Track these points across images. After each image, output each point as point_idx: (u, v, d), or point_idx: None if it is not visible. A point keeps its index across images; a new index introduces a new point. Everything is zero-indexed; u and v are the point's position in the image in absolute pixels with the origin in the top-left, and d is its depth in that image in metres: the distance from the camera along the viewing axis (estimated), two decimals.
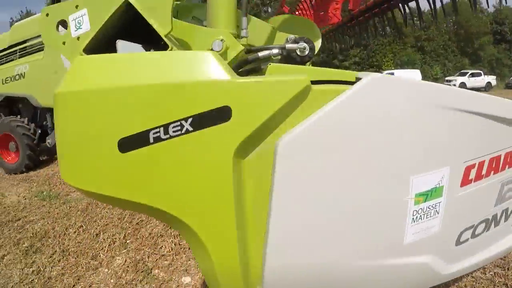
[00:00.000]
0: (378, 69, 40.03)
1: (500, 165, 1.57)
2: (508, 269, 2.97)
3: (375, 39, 41.83)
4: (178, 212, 1.21)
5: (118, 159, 1.15)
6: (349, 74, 1.33)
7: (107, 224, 4.16)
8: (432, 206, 1.41)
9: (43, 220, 4.45)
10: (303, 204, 1.20)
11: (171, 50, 1.69)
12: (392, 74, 29.36)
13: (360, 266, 1.39)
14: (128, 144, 1.14)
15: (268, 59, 1.69)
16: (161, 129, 1.12)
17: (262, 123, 1.12)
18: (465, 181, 1.49)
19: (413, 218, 1.38)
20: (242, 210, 1.21)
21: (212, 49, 1.31)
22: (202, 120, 1.10)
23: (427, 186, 1.37)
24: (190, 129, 1.11)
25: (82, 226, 4.15)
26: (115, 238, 3.79)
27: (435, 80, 41.28)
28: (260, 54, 1.63)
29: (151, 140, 1.12)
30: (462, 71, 36.00)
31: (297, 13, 8.15)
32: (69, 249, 3.61)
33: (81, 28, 1.87)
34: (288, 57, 1.69)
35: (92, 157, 1.20)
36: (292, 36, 1.76)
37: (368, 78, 1.16)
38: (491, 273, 2.93)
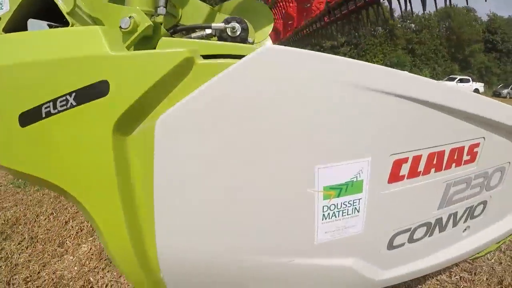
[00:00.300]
0: None
1: (444, 162, 1.32)
2: (475, 274, 2.94)
3: (366, 39, 42.48)
4: (71, 188, 1.21)
5: (20, 133, 1.19)
6: (251, 49, 1.13)
7: (77, 211, 4.13)
8: (348, 203, 1.19)
9: (15, 207, 4.43)
10: (185, 188, 1.13)
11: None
12: None
13: (263, 262, 1.25)
14: (26, 118, 1.18)
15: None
16: (51, 103, 1.14)
17: (140, 97, 1.07)
18: (394, 177, 1.23)
19: (323, 215, 1.18)
20: (130, 188, 1.17)
21: (120, 27, 1.29)
22: (84, 95, 1.11)
23: (340, 179, 1.15)
24: (74, 103, 1.12)
25: (53, 213, 4.14)
26: (83, 226, 3.79)
27: None
28: (193, 35, 1.58)
29: (43, 115, 1.15)
30: (451, 76, 36.52)
31: (280, 4, 7.88)
32: (38, 236, 3.63)
33: (2, 9, 1.89)
34: (221, 38, 1.60)
35: (1, 131, 1.24)
36: (229, 17, 1.64)
37: (260, 49, 1.03)
38: (456, 277, 2.90)
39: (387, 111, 1.13)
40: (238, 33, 1.55)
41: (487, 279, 2.88)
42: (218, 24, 1.56)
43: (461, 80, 32.61)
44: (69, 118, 1.12)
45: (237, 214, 1.16)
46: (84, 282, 2.83)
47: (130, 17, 1.30)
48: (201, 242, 1.20)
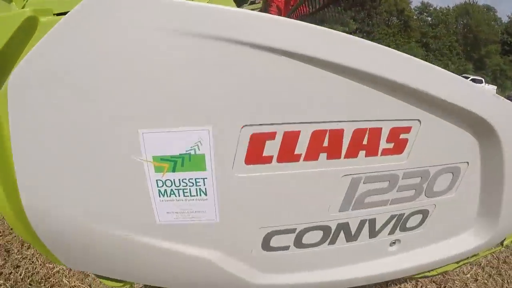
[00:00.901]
0: None
1: (344, 148, 0.97)
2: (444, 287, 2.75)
3: (379, 28, 41.59)
4: None
5: None
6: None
7: None
8: (189, 181, 0.97)
9: None
10: (35, 146, 1.09)
11: None
12: None
13: (109, 232, 1.13)
14: None
15: None
16: None
17: None
18: (255, 158, 0.93)
19: (160, 191, 0.99)
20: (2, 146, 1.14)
21: None
22: None
23: (171, 150, 0.92)
24: None
25: None
26: None
27: None
28: None
29: None
30: (463, 74, 35.33)
31: None
32: None
33: None
34: None
35: None
36: None
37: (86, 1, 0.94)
38: None
39: (238, 66, 0.83)
40: None
41: None
42: None
43: (473, 80, 32.08)
44: None
45: (82, 177, 1.08)
46: None
47: None
48: (54, 203, 1.15)
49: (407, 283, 2.71)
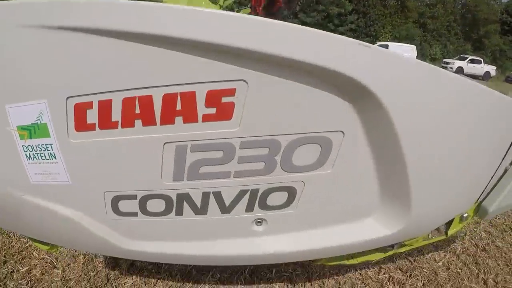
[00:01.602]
0: (375, 39, 37.44)
1: (158, 114, 1.02)
2: (410, 276, 2.57)
3: (376, 9, 40.95)
4: None
5: None
6: None
7: None
8: (42, 146, 1.14)
9: None
10: None
11: None
12: (386, 46, 26.29)
13: (8, 194, 1.28)
14: None
15: None
16: None
17: None
18: (82, 125, 1.06)
19: (26, 155, 1.16)
20: None
21: None
22: None
23: (26, 120, 1.11)
24: None
25: None
26: None
27: (433, 60, 37.62)
28: None
29: None
30: (462, 55, 33.47)
31: None
32: None
33: None
34: None
35: None
36: None
37: None
38: (385, 275, 2.58)
39: (49, 47, 0.98)
40: None
41: (422, 285, 2.44)
42: None
43: (472, 61, 30.86)
44: None
45: None
46: None
47: None
48: None
49: (370, 269, 2.58)
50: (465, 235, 3.25)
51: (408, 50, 27.42)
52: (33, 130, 1.11)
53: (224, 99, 0.97)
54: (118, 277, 2.50)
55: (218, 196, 1.17)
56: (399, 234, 1.39)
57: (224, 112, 0.99)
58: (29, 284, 2.34)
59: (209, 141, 1.04)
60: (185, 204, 1.18)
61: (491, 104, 1.33)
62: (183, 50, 0.92)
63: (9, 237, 2.80)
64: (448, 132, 1.25)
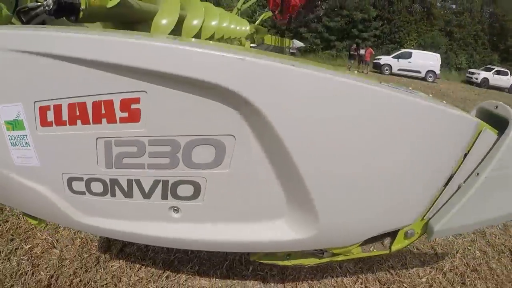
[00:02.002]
0: (399, 46, 37.27)
1: (90, 116, 1.32)
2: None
3: (401, 15, 40.14)
4: None
5: None
6: None
7: None
8: (20, 137, 1.48)
9: None
10: None
11: None
12: (410, 54, 25.89)
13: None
14: None
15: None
16: None
17: None
18: (45, 122, 1.41)
19: (11, 142, 1.50)
20: None
21: None
22: None
23: (11, 117, 1.46)
24: None
25: None
26: None
27: (458, 70, 37.30)
28: (29, 4, 1.79)
29: None
30: (488, 66, 33.01)
31: None
32: None
33: None
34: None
35: None
36: None
37: None
38: (362, 285, 2.60)
39: (17, 65, 1.34)
40: (50, 7, 1.76)
41: None
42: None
43: (498, 72, 30.04)
44: None
45: None
46: None
47: None
48: None
49: (345, 277, 2.66)
50: (456, 252, 3.08)
51: (432, 58, 26.74)
52: (14, 124, 1.47)
53: (133, 106, 1.26)
54: (108, 260, 2.84)
55: (138, 183, 1.41)
56: (313, 241, 1.45)
57: (134, 116, 1.27)
58: (29, 260, 2.73)
59: (126, 138, 1.32)
60: (116, 187, 1.44)
61: (422, 117, 1.34)
62: (103, 69, 1.23)
63: (18, 218, 3.24)
64: (354, 145, 1.29)
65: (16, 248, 2.85)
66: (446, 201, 1.60)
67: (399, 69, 27.98)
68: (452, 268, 2.84)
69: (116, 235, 1.62)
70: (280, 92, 1.16)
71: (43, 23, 1.94)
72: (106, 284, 2.59)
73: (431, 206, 1.61)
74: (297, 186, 1.31)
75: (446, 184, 1.57)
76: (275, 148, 1.24)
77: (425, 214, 1.64)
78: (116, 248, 2.97)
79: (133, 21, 2.60)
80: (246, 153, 1.28)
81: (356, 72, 24.41)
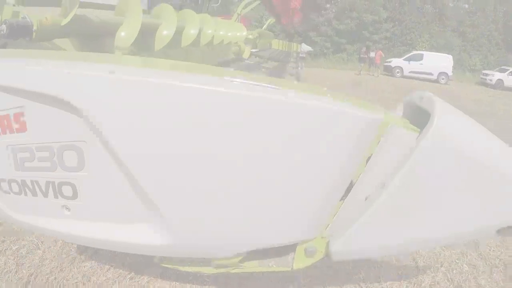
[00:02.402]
0: (411, 48, 35.39)
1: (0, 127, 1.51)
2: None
3: (412, 16, 39.36)
4: None
5: None
6: None
7: None
8: None
9: None
10: None
11: None
12: (421, 55, 24.49)
13: None
14: None
15: None
16: None
17: None
18: None
19: None
20: None
21: None
22: None
23: None
24: None
25: None
26: None
27: (472, 71, 35.29)
28: None
29: None
30: (503, 67, 30.16)
31: None
32: None
33: None
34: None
35: None
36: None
37: None
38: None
39: None
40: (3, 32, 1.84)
41: None
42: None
43: None
44: None
45: None
46: None
47: None
48: None
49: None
50: (441, 266, 2.74)
51: (444, 60, 25.51)
52: None
53: (21, 118, 1.46)
54: (82, 261, 3.05)
55: (37, 184, 1.58)
56: (172, 249, 1.48)
57: (22, 126, 1.47)
58: (15, 260, 3.01)
59: (21, 145, 1.51)
60: (25, 187, 1.61)
61: (285, 116, 1.19)
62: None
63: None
64: (201, 154, 1.25)
65: (5, 249, 3.15)
66: (348, 216, 1.37)
67: (411, 72, 27.04)
68: (433, 283, 2.50)
69: (38, 231, 1.81)
70: (101, 99, 1.27)
71: (5, 45, 2.04)
72: (76, 282, 2.81)
73: (331, 222, 1.40)
74: (143, 194, 1.37)
75: (347, 195, 1.34)
76: (116, 156, 1.33)
77: (324, 231, 1.44)
78: (92, 249, 3.15)
79: (98, 34, 2.63)
80: (99, 158, 1.39)
81: (360, 73, 24.22)
